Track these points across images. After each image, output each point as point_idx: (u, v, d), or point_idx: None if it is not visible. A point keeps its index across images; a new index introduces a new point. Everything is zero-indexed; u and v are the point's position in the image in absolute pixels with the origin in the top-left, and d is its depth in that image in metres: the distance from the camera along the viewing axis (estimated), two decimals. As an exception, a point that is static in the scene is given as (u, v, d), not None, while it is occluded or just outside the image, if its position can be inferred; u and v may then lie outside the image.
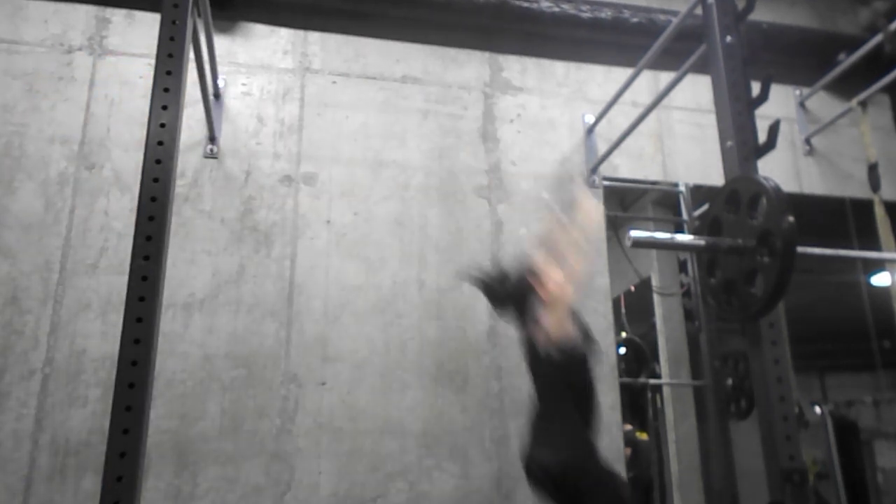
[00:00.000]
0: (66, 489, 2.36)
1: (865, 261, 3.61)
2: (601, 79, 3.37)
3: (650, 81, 3.33)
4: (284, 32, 3.08)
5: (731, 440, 3.56)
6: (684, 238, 2.46)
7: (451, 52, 3.24)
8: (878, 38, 3.09)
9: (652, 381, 3.68)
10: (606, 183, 3.20)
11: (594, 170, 3.17)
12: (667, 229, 3.77)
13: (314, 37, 3.11)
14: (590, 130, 3.24)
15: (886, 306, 3.24)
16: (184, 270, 2.66)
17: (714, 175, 3.16)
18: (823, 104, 3.58)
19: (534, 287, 2.13)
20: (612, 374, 2.92)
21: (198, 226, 2.73)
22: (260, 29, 3.06)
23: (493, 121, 3.17)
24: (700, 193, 3.51)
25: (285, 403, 2.60)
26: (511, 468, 2.71)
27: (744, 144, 1.88)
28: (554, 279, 2.08)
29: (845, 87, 3.48)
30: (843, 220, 3.45)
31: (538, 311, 2.10)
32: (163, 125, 1.68)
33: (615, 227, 3.33)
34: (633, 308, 3.88)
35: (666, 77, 3.12)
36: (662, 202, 3.85)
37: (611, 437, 2.78)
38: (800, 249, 1.52)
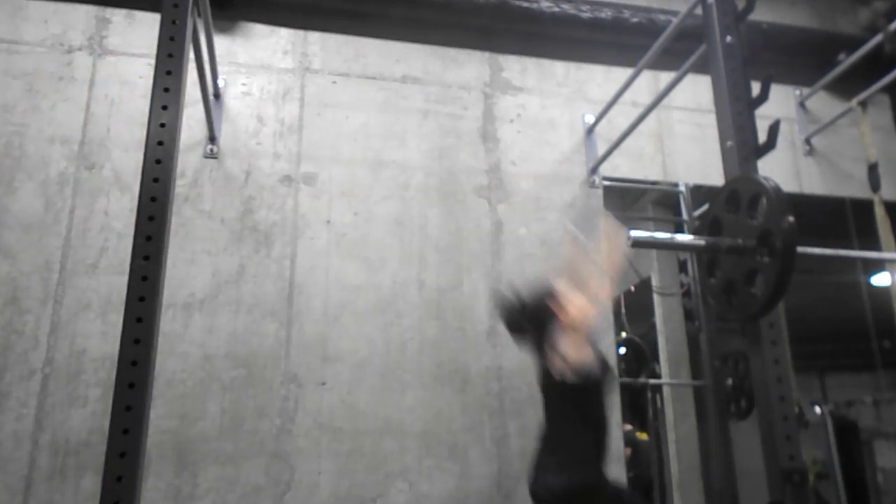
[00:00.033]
0: (66, 489, 2.36)
1: (865, 261, 3.61)
2: (601, 79, 3.37)
3: (650, 81, 3.34)
4: (284, 32, 3.08)
5: (731, 440, 3.56)
6: (684, 238, 2.46)
7: (451, 52, 3.24)
8: (878, 38, 3.09)
9: (652, 381, 3.68)
10: (606, 183, 3.20)
11: (594, 170, 3.17)
12: (667, 229, 3.77)
13: (314, 37, 3.11)
14: (590, 130, 3.24)
15: (886, 306, 3.24)
16: (184, 270, 2.66)
17: (714, 175, 3.16)
18: (823, 104, 3.59)
19: (553, 311, 2.14)
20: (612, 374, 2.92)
21: (198, 226, 2.73)
22: (260, 29, 3.07)
23: (493, 121, 3.17)
24: (700, 193, 3.51)
25: (285, 403, 2.60)
26: (511, 468, 2.71)
27: (744, 144, 1.88)
28: (575, 305, 2.10)
29: (845, 87, 3.49)
30: (843, 220, 3.45)
31: (556, 335, 2.11)
32: (163, 125, 1.68)
33: (615, 227, 3.33)
34: (633, 308, 3.88)
35: (666, 77, 3.12)
36: (662, 202, 3.85)
37: (611, 438, 2.78)
38: (800, 249, 1.52)
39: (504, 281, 2.93)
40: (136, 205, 1.62)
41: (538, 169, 3.14)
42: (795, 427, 1.68)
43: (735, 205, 1.71)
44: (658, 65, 2.86)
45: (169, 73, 1.72)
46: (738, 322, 1.86)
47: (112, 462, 1.41)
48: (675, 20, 2.51)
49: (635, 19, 3.23)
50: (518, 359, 2.85)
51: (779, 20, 3.56)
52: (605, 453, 2.17)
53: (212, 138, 2.82)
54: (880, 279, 3.85)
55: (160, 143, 1.66)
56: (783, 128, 3.41)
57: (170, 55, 1.74)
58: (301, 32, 3.10)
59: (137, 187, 1.64)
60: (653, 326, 3.76)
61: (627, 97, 3.02)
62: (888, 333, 3.58)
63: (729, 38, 2.03)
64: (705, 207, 2.95)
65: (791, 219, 1.51)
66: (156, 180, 1.63)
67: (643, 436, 3.93)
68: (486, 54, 3.28)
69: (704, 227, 1.81)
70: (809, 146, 3.51)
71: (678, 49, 2.47)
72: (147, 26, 2.92)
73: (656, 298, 3.78)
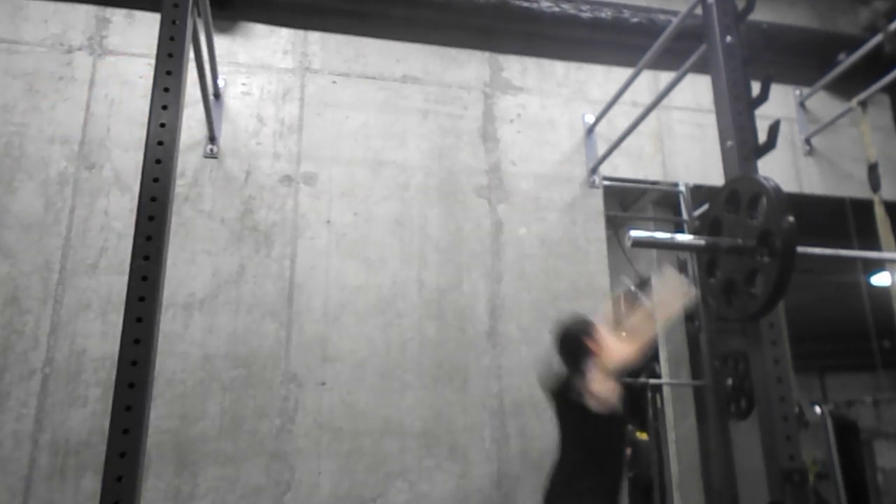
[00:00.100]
0: (66, 489, 2.36)
1: (865, 261, 3.61)
2: (601, 79, 3.37)
3: (650, 81, 3.34)
4: (284, 32, 3.08)
5: (731, 440, 3.56)
6: (684, 238, 2.46)
7: (451, 52, 3.24)
8: (878, 38, 3.09)
9: (652, 381, 3.68)
10: (606, 183, 3.20)
11: (594, 170, 3.17)
12: (667, 229, 3.77)
13: (314, 37, 3.11)
14: (590, 130, 3.24)
15: (886, 306, 3.24)
16: (184, 270, 2.66)
17: (714, 175, 3.16)
18: (823, 104, 3.59)
19: (589, 347, 2.29)
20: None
21: (198, 226, 2.73)
22: (260, 29, 3.07)
23: (493, 121, 3.17)
24: (700, 193, 3.51)
25: (285, 403, 2.60)
26: (511, 468, 2.71)
27: (744, 144, 1.88)
28: (615, 349, 2.27)
29: (845, 87, 3.49)
30: (843, 220, 3.45)
31: (589, 369, 2.26)
32: (163, 125, 1.68)
33: (615, 227, 3.33)
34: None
35: (666, 77, 3.12)
36: (662, 202, 3.85)
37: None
38: (800, 249, 1.52)
39: (504, 281, 2.93)
40: (136, 205, 1.62)
41: (538, 169, 3.14)
42: (795, 427, 1.68)
43: (735, 205, 1.70)
44: (658, 65, 2.86)
45: (169, 73, 1.72)
46: (738, 322, 1.86)
47: (112, 462, 1.41)
48: (675, 20, 2.51)
49: (635, 19, 3.24)
50: (518, 359, 2.85)
51: (779, 20, 3.56)
52: (620, 487, 2.27)
53: (212, 138, 2.82)
54: (880, 279, 3.85)
55: (160, 143, 1.66)
56: (783, 128, 3.41)
57: (170, 55, 1.74)
58: (301, 32, 3.10)
59: (137, 187, 1.65)
60: (653, 326, 3.75)
61: (627, 97, 3.02)
62: (888, 333, 3.58)
63: (729, 38, 2.03)
64: (705, 207, 2.95)
65: (791, 219, 1.50)
66: (156, 180, 1.63)
67: (643, 436, 3.94)
68: (486, 54, 3.28)
69: (704, 227, 1.81)
70: (809, 146, 3.51)
71: (678, 49, 2.47)
72: (147, 26, 2.92)
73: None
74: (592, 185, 3.17)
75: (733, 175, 1.85)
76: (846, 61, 3.29)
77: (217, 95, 2.87)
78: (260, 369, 2.61)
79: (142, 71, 2.85)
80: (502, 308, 2.90)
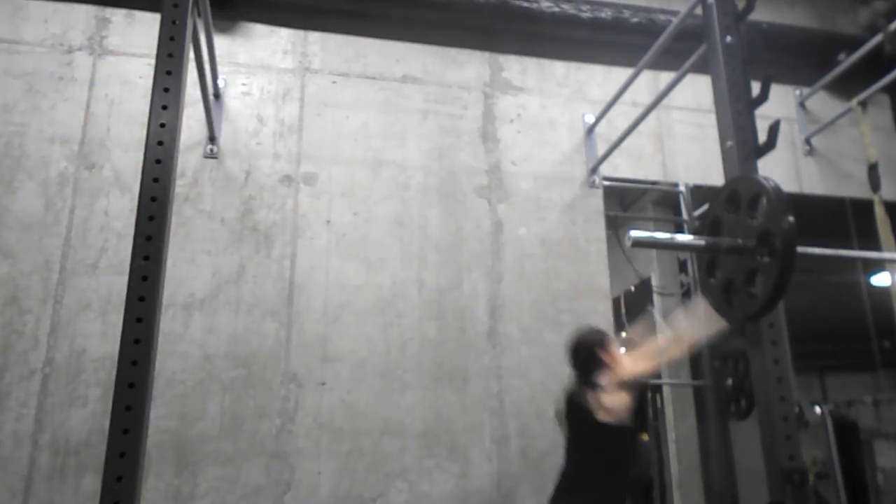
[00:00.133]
0: (66, 489, 2.36)
1: (865, 261, 3.61)
2: (601, 79, 3.37)
3: (650, 81, 3.33)
4: (284, 32, 3.08)
5: (731, 440, 3.56)
6: (684, 238, 2.46)
7: (451, 52, 3.24)
8: (878, 38, 3.09)
9: (652, 381, 3.68)
10: (606, 183, 3.20)
11: (594, 170, 3.17)
12: (667, 229, 3.77)
13: (314, 37, 3.11)
14: (590, 130, 3.24)
15: (886, 306, 3.24)
16: (184, 270, 2.66)
17: (714, 175, 3.16)
18: (823, 104, 3.59)
19: (602, 358, 2.33)
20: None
21: (198, 226, 2.73)
22: (260, 29, 3.07)
23: (493, 121, 3.17)
24: (700, 193, 3.51)
25: (285, 403, 2.60)
26: (511, 468, 2.71)
27: (744, 144, 1.88)
28: (628, 364, 2.31)
29: (845, 87, 3.49)
30: (843, 220, 3.45)
31: (601, 380, 2.30)
32: (163, 125, 1.68)
33: (615, 227, 3.33)
34: (633, 308, 3.88)
35: (666, 77, 3.12)
36: (662, 202, 3.85)
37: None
38: (800, 249, 1.51)
39: (504, 281, 2.93)
40: (136, 205, 1.62)
41: (538, 169, 3.14)
42: (795, 427, 1.68)
43: (735, 205, 1.70)
44: (658, 65, 2.86)
45: (169, 73, 1.72)
46: (738, 322, 1.86)
47: (112, 462, 1.41)
48: (675, 20, 2.51)
49: (635, 19, 3.23)
50: (518, 359, 2.85)
51: (779, 20, 3.56)
52: (626, 498, 2.30)
53: (212, 138, 2.82)
54: (880, 279, 3.85)
55: (160, 143, 1.66)
56: (783, 128, 3.41)
57: (170, 55, 1.74)
58: (301, 32, 3.10)
59: (137, 187, 1.64)
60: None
61: (627, 97, 3.02)
62: (888, 333, 3.58)
63: (729, 38, 2.03)
64: (705, 207, 2.95)
65: (791, 219, 1.50)
66: (156, 180, 1.63)
67: (643, 436, 3.93)
68: (486, 54, 3.28)
69: (704, 227, 1.81)
70: (809, 146, 3.50)
71: (678, 49, 2.47)
72: (147, 26, 2.92)
73: (656, 298, 3.78)
74: (592, 185, 3.17)
75: (733, 175, 1.85)
76: (846, 61, 3.29)
77: (217, 95, 2.87)
78: (260, 369, 2.61)
79: (142, 71, 2.85)
80: (502, 308, 2.90)
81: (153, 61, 1.74)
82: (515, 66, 3.30)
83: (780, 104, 3.46)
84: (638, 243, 1.68)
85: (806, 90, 3.56)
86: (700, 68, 2.24)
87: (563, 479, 2.35)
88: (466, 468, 2.68)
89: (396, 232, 2.91)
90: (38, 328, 2.50)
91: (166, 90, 1.71)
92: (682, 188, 3.58)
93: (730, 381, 3.52)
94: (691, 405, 3.60)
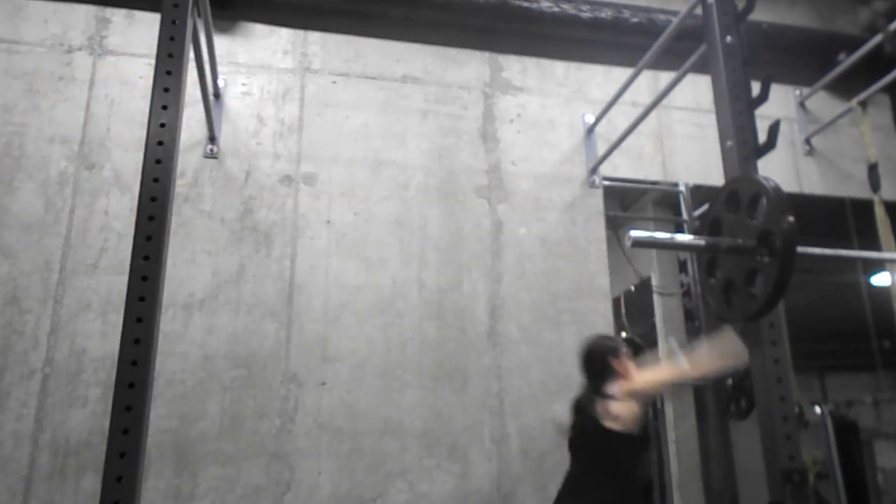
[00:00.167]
0: (66, 489, 2.36)
1: (865, 261, 3.61)
2: (601, 79, 3.37)
3: (650, 81, 3.33)
4: (284, 32, 3.08)
5: (731, 440, 3.56)
6: (684, 238, 2.46)
7: (451, 52, 3.24)
8: (878, 38, 3.09)
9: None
10: (606, 183, 3.20)
11: (594, 170, 3.17)
12: (667, 229, 3.77)
13: (314, 37, 3.11)
14: (590, 130, 3.24)
15: (886, 306, 3.24)
16: (184, 270, 2.66)
17: (714, 175, 3.16)
18: (823, 104, 3.59)
19: (614, 367, 2.36)
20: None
21: (198, 226, 2.73)
22: (260, 29, 3.06)
23: (493, 121, 3.17)
24: (700, 193, 3.51)
25: (285, 403, 2.60)
26: (511, 468, 2.71)
27: (744, 144, 1.88)
28: (639, 377, 2.33)
29: (845, 87, 3.48)
30: (843, 220, 3.45)
31: (611, 388, 2.33)
32: (163, 125, 1.68)
33: (615, 227, 3.33)
34: (633, 308, 3.89)
35: (666, 77, 3.12)
36: (662, 202, 3.85)
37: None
38: (800, 249, 1.51)
39: (504, 281, 2.93)
40: (136, 205, 1.62)
41: (538, 169, 3.14)
42: (795, 427, 1.68)
43: (735, 205, 1.70)
44: (658, 65, 2.86)
45: (169, 73, 1.72)
46: (738, 322, 1.86)
47: (112, 462, 1.41)
48: (675, 20, 2.51)
49: (635, 19, 3.23)
50: (518, 359, 2.85)
51: (779, 20, 3.56)
52: (627, 496, 2.31)
53: (212, 138, 2.82)
54: (880, 279, 3.85)
55: (160, 143, 1.66)
56: (783, 128, 3.41)
57: (170, 55, 1.74)
58: (301, 32, 3.10)
59: (137, 187, 1.64)
60: (653, 326, 3.75)
61: (627, 97, 3.02)
62: (888, 333, 3.58)
63: (729, 38, 2.03)
64: (705, 207, 2.95)
65: (791, 219, 1.50)
66: (156, 180, 1.63)
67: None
68: (486, 54, 3.28)
69: (704, 227, 1.81)
70: (809, 146, 3.50)
71: (678, 49, 2.47)
72: (147, 26, 2.92)
73: (656, 298, 3.78)
74: (592, 185, 3.17)
75: (733, 175, 1.85)
76: (846, 61, 3.29)
77: (217, 95, 2.87)
78: (260, 369, 2.61)
79: (142, 71, 2.85)
80: (502, 308, 2.90)
81: (153, 61, 1.74)
82: (515, 66, 3.30)
83: (780, 104, 3.46)
84: (638, 243, 1.68)
85: (806, 90, 3.56)
86: (700, 68, 2.24)
87: (566, 481, 2.37)
88: (466, 468, 2.68)
89: (396, 232, 2.91)
90: (38, 328, 2.50)
91: (166, 90, 1.71)
92: (682, 188, 3.59)
93: (730, 381, 3.52)
94: (691, 405, 3.60)
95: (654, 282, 3.82)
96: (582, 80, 3.35)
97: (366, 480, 2.58)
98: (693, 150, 3.36)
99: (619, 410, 2.28)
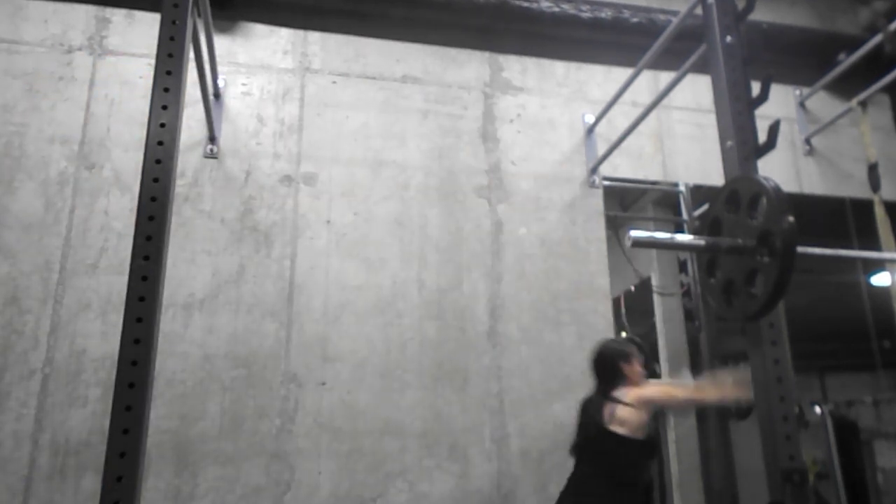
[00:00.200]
0: (66, 489, 2.36)
1: (865, 261, 3.61)
2: (601, 79, 3.37)
3: (650, 81, 3.33)
4: (284, 32, 3.08)
5: (731, 440, 3.56)
6: (684, 238, 2.46)
7: (451, 52, 3.24)
8: (878, 38, 3.09)
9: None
10: (606, 183, 3.20)
11: (594, 170, 3.17)
12: (667, 229, 3.77)
13: (314, 37, 3.11)
14: (590, 130, 3.24)
15: (886, 306, 3.24)
16: (184, 270, 2.66)
17: (714, 175, 3.16)
18: (823, 104, 3.58)
19: (625, 373, 2.39)
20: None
21: (198, 226, 2.73)
22: (260, 29, 3.06)
23: (493, 121, 3.17)
24: (700, 193, 3.51)
25: (285, 403, 2.60)
26: (511, 468, 2.71)
27: (744, 144, 1.88)
28: (648, 386, 2.37)
29: (845, 87, 3.48)
30: (843, 220, 3.45)
31: (620, 392, 2.35)
32: (163, 125, 1.67)
33: (615, 227, 3.33)
34: (633, 308, 3.89)
35: (666, 77, 3.12)
36: (662, 202, 3.85)
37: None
38: (800, 249, 1.51)
39: (504, 281, 2.93)
40: (136, 205, 1.62)
41: (538, 169, 3.14)
42: (795, 427, 1.68)
43: (735, 205, 1.70)
44: (658, 65, 2.86)
45: (169, 73, 1.72)
46: (738, 322, 1.86)
47: (112, 462, 1.41)
48: (675, 20, 2.51)
49: (635, 19, 3.23)
50: (518, 359, 2.85)
51: (779, 20, 3.56)
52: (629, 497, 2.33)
53: (212, 138, 2.82)
54: (880, 279, 3.85)
55: (160, 143, 1.66)
56: (783, 128, 3.41)
57: (170, 55, 1.74)
58: (301, 32, 3.10)
59: (137, 187, 1.64)
60: (653, 326, 3.76)
61: (627, 97, 3.02)
62: (888, 333, 3.58)
63: (729, 38, 2.03)
64: (705, 207, 2.95)
65: (791, 219, 1.50)
66: (156, 180, 1.62)
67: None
68: (486, 54, 3.28)
69: (704, 227, 1.81)
70: (809, 146, 3.50)
71: (678, 49, 2.47)
72: (147, 26, 2.92)
73: (656, 298, 3.78)
74: (592, 185, 3.17)
75: (733, 175, 1.85)
76: (846, 61, 3.29)
77: (217, 95, 2.87)
78: (260, 369, 2.61)
79: (142, 71, 2.85)
80: (502, 308, 2.90)
81: (153, 61, 1.74)
82: (515, 66, 3.30)
83: (780, 104, 3.46)
84: (638, 243, 1.68)
85: (806, 90, 3.56)
86: (700, 68, 2.24)
87: (569, 482, 2.39)
88: (466, 468, 2.68)
89: (396, 232, 2.91)
90: (38, 328, 2.50)
91: (166, 90, 1.71)
92: (682, 188, 3.59)
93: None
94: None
95: (654, 282, 3.82)
96: (582, 80, 3.35)
97: (366, 480, 2.58)
98: (693, 150, 3.36)
99: (626, 415, 2.29)
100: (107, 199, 2.69)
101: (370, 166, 2.97)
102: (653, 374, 3.70)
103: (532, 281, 2.96)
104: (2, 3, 2.85)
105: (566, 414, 2.78)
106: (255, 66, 3.00)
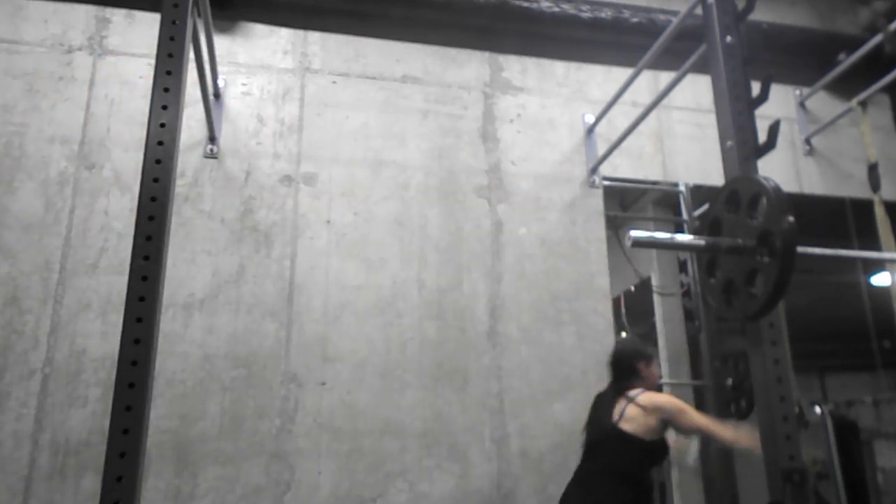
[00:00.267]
0: (66, 489, 2.36)
1: (865, 261, 3.61)
2: (601, 79, 3.37)
3: (650, 81, 3.33)
4: (284, 32, 3.08)
5: (730, 440, 3.54)
6: (684, 238, 2.46)
7: (451, 52, 3.24)
8: (878, 38, 3.09)
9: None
10: (606, 183, 3.20)
11: (594, 170, 3.17)
12: (667, 229, 3.77)
13: (314, 37, 3.11)
14: (590, 130, 3.24)
15: (886, 306, 3.24)
16: (184, 270, 2.66)
17: (714, 175, 3.16)
18: (823, 104, 3.59)
19: (640, 372, 2.42)
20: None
21: (198, 226, 2.73)
22: (260, 29, 3.06)
23: (493, 121, 3.17)
24: (700, 193, 3.51)
25: (285, 403, 2.60)
26: (511, 468, 2.71)
27: (744, 144, 1.88)
28: (667, 398, 2.39)
29: (845, 87, 3.49)
30: (843, 220, 3.45)
31: (633, 391, 2.37)
32: (163, 125, 1.67)
33: (615, 227, 3.33)
34: (633, 308, 3.89)
35: (666, 77, 3.12)
36: (662, 202, 3.85)
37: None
38: (800, 249, 1.51)
39: (504, 281, 2.93)
40: (136, 205, 1.62)
41: (538, 169, 3.14)
42: (795, 427, 1.68)
43: (735, 205, 1.70)
44: (658, 65, 2.86)
45: (169, 73, 1.72)
46: (738, 322, 1.86)
47: (112, 462, 1.41)
48: (675, 20, 2.51)
49: (635, 19, 3.23)
50: (518, 359, 2.85)
51: (779, 20, 3.56)
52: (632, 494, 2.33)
53: (212, 138, 2.82)
54: (880, 279, 3.85)
55: (160, 143, 1.66)
56: (783, 128, 3.41)
57: (170, 55, 1.74)
58: (301, 32, 3.10)
59: (137, 187, 1.64)
60: (653, 326, 3.75)
61: (627, 97, 3.02)
62: (888, 333, 3.58)
63: (729, 38, 2.03)
64: (705, 207, 2.95)
65: (791, 219, 1.50)
66: (156, 180, 1.62)
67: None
68: (486, 54, 3.28)
69: (704, 227, 1.81)
70: (809, 146, 3.50)
71: (678, 49, 2.47)
72: (147, 26, 2.92)
73: (656, 298, 3.78)
74: (592, 185, 3.17)
75: (733, 175, 1.85)
76: (846, 61, 3.29)
77: (217, 95, 2.87)
78: (260, 369, 2.61)
79: (142, 71, 2.85)
80: (502, 308, 2.90)
81: (153, 61, 1.74)
82: (515, 66, 3.30)
83: (780, 104, 3.46)
84: (638, 243, 1.68)
85: (806, 90, 3.56)
86: (700, 68, 2.24)
87: (575, 475, 2.41)
88: (466, 468, 2.68)
89: (396, 232, 2.91)
90: (38, 328, 2.50)
91: (166, 90, 1.71)
92: (682, 188, 3.58)
93: (730, 381, 3.51)
94: (691, 405, 3.59)
95: (654, 282, 3.82)
96: (582, 80, 3.35)
97: (366, 480, 2.58)
98: (693, 150, 3.36)
99: (634, 415, 2.29)
100: (107, 199, 2.69)
101: (370, 166, 2.97)
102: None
103: (532, 281, 2.96)
104: (2, 3, 2.85)
105: (566, 414, 2.78)
106: (255, 66, 3.00)
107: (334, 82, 3.06)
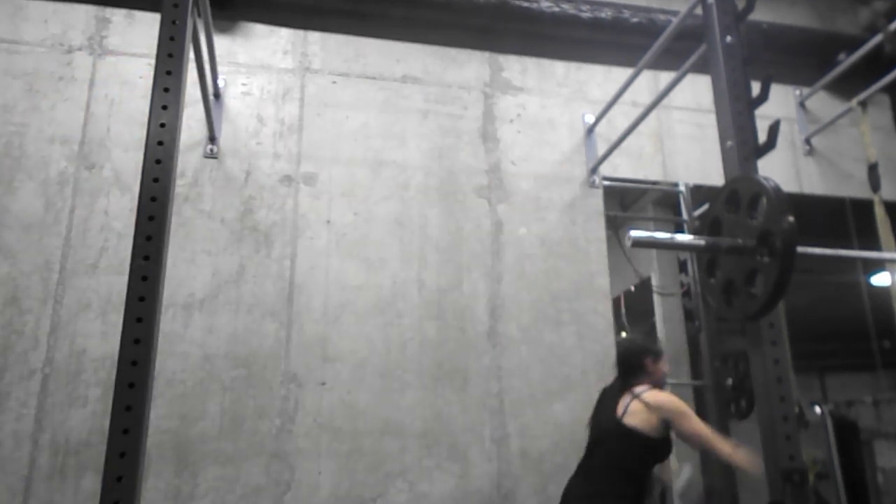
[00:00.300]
0: (66, 489, 2.36)
1: (865, 261, 3.61)
2: (601, 79, 3.37)
3: (650, 81, 3.33)
4: (284, 32, 3.08)
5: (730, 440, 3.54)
6: (684, 238, 2.46)
7: (451, 52, 3.24)
8: (878, 38, 3.09)
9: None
10: (606, 183, 3.20)
11: (594, 170, 3.17)
12: (667, 229, 3.77)
13: (314, 37, 3.11)
14: (590, 130, 3.24)
15: (886, 306, 3.24)
16: (184, 270, 2.66)
17: (714, 175, 3.16)
18: (823, 104, 3.59)
19: (647, 368, 2.42)
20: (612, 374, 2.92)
21: (198, 226, 2.73)
22: (260, 29, 3.06)
23: (493, 121, 3.17)
24: (700, 193, 3.51)
25: (285, 403, 2.60)
26: (511, 468, 2.71)
27: (744, 144, 1.88)
28: (673, 399, 2.37)
29: (845, 87, 3.49)
30: (843, 220, 3.45)
31: (639, 387, 2.37)
32: (163, 125, 1.68)
33: (615, 227, 3.33)
34: (633, 308, 3.88)
35: (666, 77, 3.12)
36: (662, 202, 3.84)
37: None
38: (800, 249, 1.52)
39: (504, 281, 2.93)
40: (136, 205, 1.62)
41: (538, 169, 3.14)
42: (795, 427, 1.68)
43: (735, 205, 1.70)
44: (658, 65, 2.86)
45: (169, 73, 1.72)
46: (738, 322, 1.86)
47: (112, 462, 1.41)
48: (675, 20, 2.51)
49: (635, 19, 3.23)
50: (518, 359, 2.85)
51: (779, 20, 3.56)
52: (632, 491, 2.33)
53: (212, 138, 2.82)
54: (880, 279, 3.85)
55: (160, 143, 1.66)
56: (783, 128, 3.41)
57: (170, 55, 1.74)
58: (301, 32, 3.10)
59: (137, 187, 1.64)
60: (653, 326, 3.75)
61: (627, 97, 3.02)
62: (888, 333, 3.58)
63: (729, 38, 2.03)
64: (705, 207, 2.95)
65: (791, 219, 1.50)
66: (156, 180, 1.63)
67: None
68: (486, 54, 3.28)
69: (704, 227, 1.81)
70: (809, 146, 3.50)
71: (678, 49, 2.47)
72: (147, 26, 2.92)
73: (656, 298, 3.78)
74: (592, 185, 3.17)
75: (733, 175, 1.85)
76: (846, 61, 3.29)
77: (217, 95, 2.87)
78: (260, 369, 2.61)
79: (142, 71, 2.85)
80: (502, 308, 2.90)
81: (153, 61, 1.74)
82: (515, 66, 3.30)
83: (780, 104, 3.46)
84: (638, 243, 1.68)
85: (806, 90, 3.56)
86: (700, 68, 2.24)
87: (579, 468, 2.41)
88: (466, 468, 2.68)
89: (396, 232, 2.91)
90: (38, 328, 2.50)
91: (166, 90, 1.71)
92: (682, 188, 3.58)
93: (730, 381, 3.51)
94: (691, 405, 3.59)
95: (654, 282, 3.82)
96: (582, 80, 3.35)
97: (366, 480, 2.58)
98: (693, 150, 3.36)
99: (637, 410, 2.29)
100: (107, 199, 2.69)
101: (370, 166, 2.97)
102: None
103: (532, 281, 2.96)
104: (2, 3, 2.85)
105: (566, 414, 2.79)
106: (255, 66, 3.00)
107: (334, 82, 3.06)
